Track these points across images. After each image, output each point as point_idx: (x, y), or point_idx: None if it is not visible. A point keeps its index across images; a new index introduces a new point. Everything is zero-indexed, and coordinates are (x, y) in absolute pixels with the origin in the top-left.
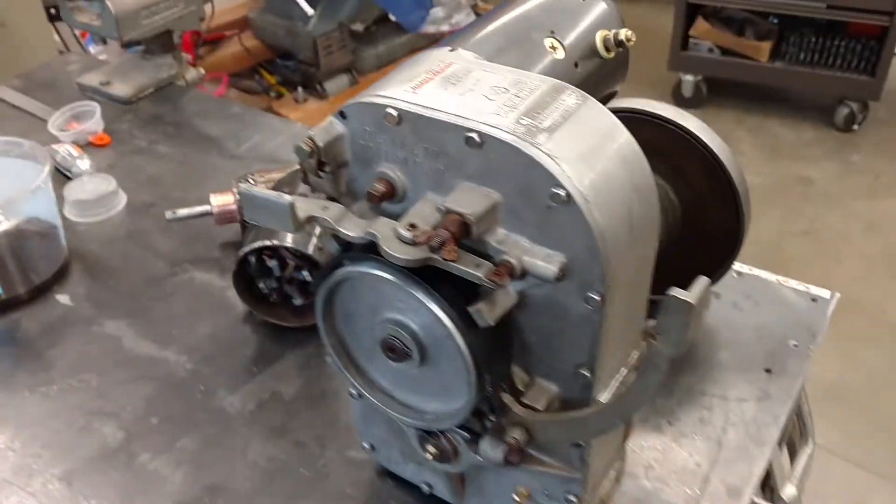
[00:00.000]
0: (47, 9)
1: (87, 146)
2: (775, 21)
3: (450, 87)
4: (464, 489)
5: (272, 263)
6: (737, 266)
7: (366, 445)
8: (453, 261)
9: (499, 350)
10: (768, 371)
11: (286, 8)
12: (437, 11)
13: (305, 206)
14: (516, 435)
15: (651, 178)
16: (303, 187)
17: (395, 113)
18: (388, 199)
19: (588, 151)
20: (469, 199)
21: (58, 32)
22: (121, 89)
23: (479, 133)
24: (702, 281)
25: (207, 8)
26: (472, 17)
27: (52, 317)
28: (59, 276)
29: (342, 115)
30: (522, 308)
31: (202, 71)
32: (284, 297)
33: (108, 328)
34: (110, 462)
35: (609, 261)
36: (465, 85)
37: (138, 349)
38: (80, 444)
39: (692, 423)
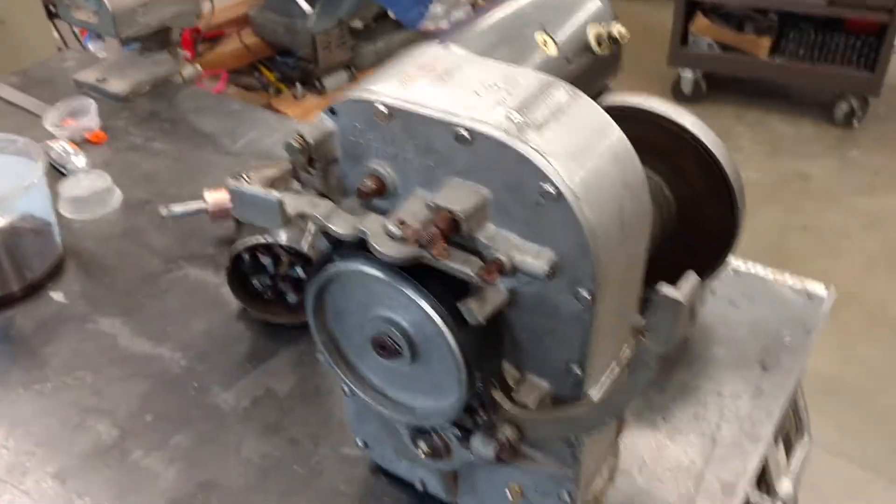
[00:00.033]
0: (46, 6)
1: (83, 143)
2: (775, 17)
3: (440, 82)
4: (457, 486)
5: (266, 260)
6: (733, 262)
7: (359, 443)
8: (443, 258)
9: (489, 347)
10: (763, 367)
11: (285, 6)
12: (435, 8)
13: (295, 202)
14: (507, 432)
15: (642, 175)
16: (294, 184)
17: (384, 109)
18: (378, 196)
19: (578, 148)
20: (459, 196)
21: (57, 30)
22: (117, 86)
23: (469, 129)
24: (691, 278)
25: (207, 5)
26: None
27: (47, 314)
28: (54, 274)
29: (332, 111)
30: (513, 305)
31: (199, 68)
32: (278, 294)
33: (102, 325)
34: (104, 459)
35: (599, 258)
36: (455, 81)
37: (133, 346)
38: (73, 442)
39: (686, 419)
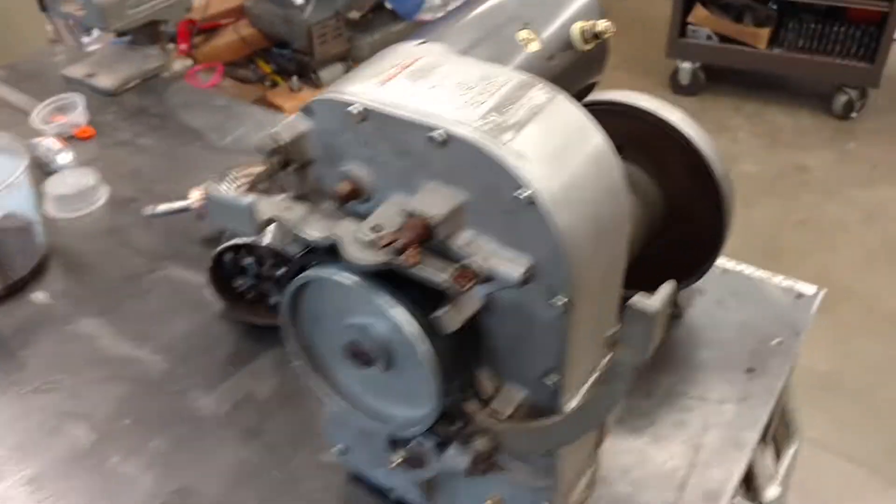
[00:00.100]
0: None
1: (70, 139)
2: (774, 7)
3: (416, 82)
4: (435, 495)
5: (248, 261)
6: (722, 262)
7: (336, 450)
8: (415, 265)
9: (465, 356)
10: (750, 370)
11: None
12: None
13: (267, 206)
14: (483, 443)
15: (622, 178)
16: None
17: (358, 110)
18: (353, 199)
19: (555, 150)
20: (434, 201)
21: (52, 22)
22: (106, 81)
23: (443, 132)
24: (665, 288)
25: None
26: None
27: (27, 315)
28: (36, 273)
29: (307, 111)
30: (489, 312)
31: (189, 62)
32: (261, 294)
33: (83, 327)
34: (80, 464)
35: (575, 266)
36: (432, 80)
37: (113, 348)
38: (50, 446)
39: (671, 425)
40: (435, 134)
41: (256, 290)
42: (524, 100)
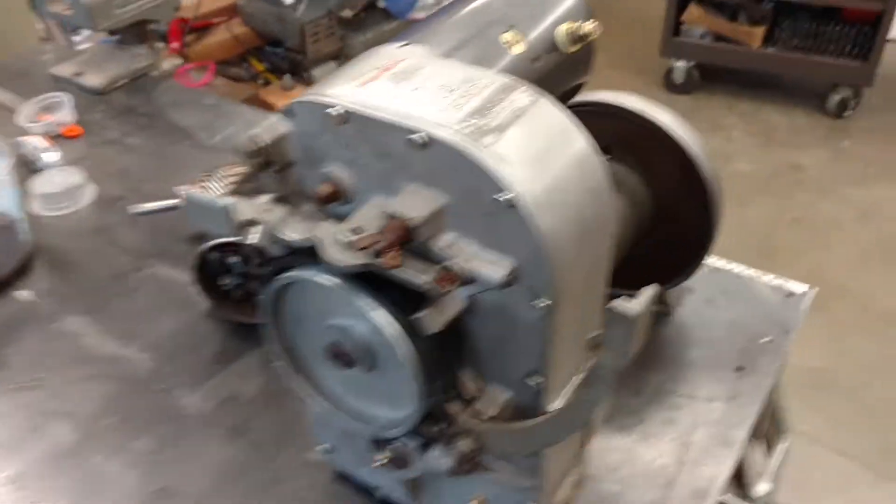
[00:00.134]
0: None
1: (58, 138)
2: (769, 6)
3: (398, 84)
4: (421, 494)
5: (234, 260)
6: (712, 260)
7: (322, 448)
8: (396, 267)
9: (447, 357)
10: (739, 369)
11: None
12: None
13: (246, 208)
14: (466, 444)
15: (606, 181)
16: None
17: (339, 113)
18: (334, 201)
19: (537, 153)
20: (415, 203)
21: (42, 21)
22: (94, 80)
23: (424, 134)
24: (648, 291)
25: None
26: None
27: (11, 313)
28: (21, 272)
29: (288, 112)
30: (472, 313)
31: (178, 61)
32: (248, 293)
33: (68, 325)
34: (63, 463)
35: (557, 268)
36: (413, 82)
37: (99, 347)
38: (33, 445)
39: (659, 423)
40: (415, 136)
41: (243, 289)
42: (506, 103)
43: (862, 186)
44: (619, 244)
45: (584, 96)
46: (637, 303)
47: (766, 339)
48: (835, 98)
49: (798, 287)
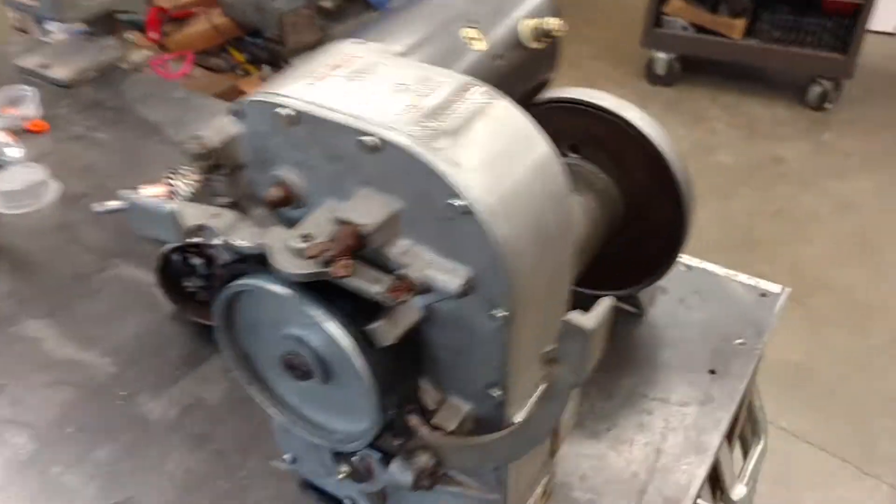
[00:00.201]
0: None
1: (22, 132)
2: None
3: (351, 83)
4: None
5: (197, 261)
6: (686, 259)
7: (287, 457)
8: (347, 276)
9: (404, 369)
10: (712, 372)
11: None
12: None
13: (194, 213)
14: (424, 459)
15: (566, 184)
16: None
17: (289, 113)
18: (285, 205)
19: (495, 157)
20: (366, 208)
21: (17, 11)
22: (61, 72)
23: (375, 136)
24: (603, 303)
25: None
26: None
27: None
28: None
29: (238, 112)
30: (430, 323)
31: (149, 53)
32: (213, 294)
33: (28, 329)
34: (19, 475)
35: (515, 277)
36: (367, 82)
37: (59, 351)
38: None
39: (631, 428)
40: (366, 139)
41: (208, 290)
42: (463, 104)
43: (842, 179)
44: (590, 242)
45: (554, 92)
46: (593, 315)
47: (739, 340)
48: (815, 90)
49: (772, 287)
